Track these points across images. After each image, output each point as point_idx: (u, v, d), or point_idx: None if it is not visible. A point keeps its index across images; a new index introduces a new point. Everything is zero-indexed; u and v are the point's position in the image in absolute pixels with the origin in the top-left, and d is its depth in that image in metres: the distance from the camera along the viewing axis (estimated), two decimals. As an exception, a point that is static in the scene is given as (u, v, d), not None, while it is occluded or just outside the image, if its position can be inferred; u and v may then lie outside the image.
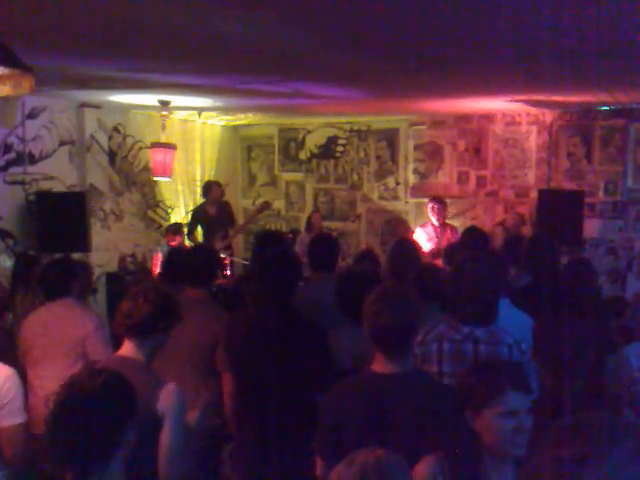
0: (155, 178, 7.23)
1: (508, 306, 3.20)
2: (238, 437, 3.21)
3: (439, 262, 5.99)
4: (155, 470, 2.37)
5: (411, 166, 8.44)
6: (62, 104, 6.55)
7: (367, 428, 2.29)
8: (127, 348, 2.57)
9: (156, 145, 7.00)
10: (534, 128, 7.73)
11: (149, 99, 6.35)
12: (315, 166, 9.03)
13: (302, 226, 8.48)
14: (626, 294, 6.94)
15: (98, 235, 6.83)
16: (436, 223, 7.24)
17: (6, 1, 3.00)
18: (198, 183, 8.45)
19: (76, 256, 6.08)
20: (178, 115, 7.88)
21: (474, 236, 4.83)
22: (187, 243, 7.44)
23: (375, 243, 8.42)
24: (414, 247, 4.44)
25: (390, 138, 8.55)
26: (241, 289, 4.19)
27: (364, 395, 2.36)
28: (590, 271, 3.85)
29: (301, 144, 9.09)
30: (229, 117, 8.43)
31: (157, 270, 6.72)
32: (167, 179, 7.31)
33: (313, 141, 9.01)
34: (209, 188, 7.75)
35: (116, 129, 7.27)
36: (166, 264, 4.80)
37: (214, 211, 7.67)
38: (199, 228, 7.75)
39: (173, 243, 6.91)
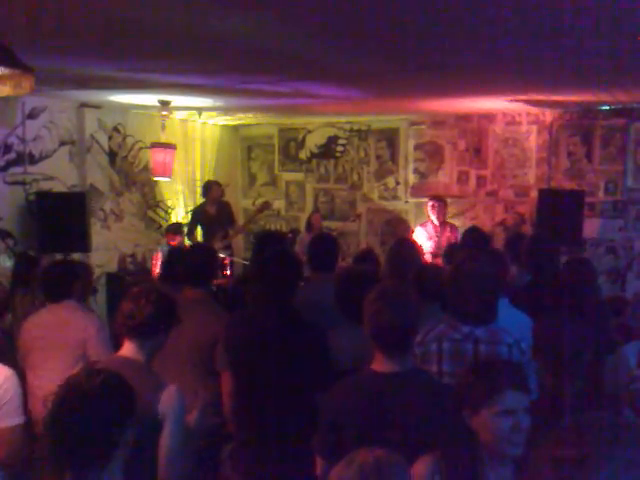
0: (155, 178, 7.23)
1: (507, 306, 3.20)
2: (237, 437, 3.21)
3: (439, 261, 5.99)
4: (155, 471, 2.38)
5: (411, 166, 8.44)
6: (62, 104, 6.56)
7: (367, 427, 2.29)
8: (128, 349, 2.57)
9: (156, 145, 7.00)
10: (534, 128, 7.73)
11: (149, 99, 6.35)
12: (315, 166, 9.03)
13: (302, 226, 8.48)
14: (626, 294, 6.94)
15: (98, 235, 6.83)
16: (436, 222, 7.24)
17: (6, 1, 3.00)
18: (198, 183, 8.46)
19: (76, 256, 6.09)
20: (178, 115, 7.88)
21: (475, 236, 4.84)
22: (187, 243, 7.44)
23: (375, 243, 8.42)
24: (413, 247, 4.44)
25: (390, 138, 8.54)
26: (241, 289, 4.20)
27: (364, 394, 2.36)
28: (590, 270, 3.85)
29: (301, 144, 9.09)
30: (229, 117, 8.43)
31: (157, 270, 6.73)
32: (167, 179, 7.31)
33: (313, 141, 9.01)
34: (209, 188, 7.75)
35: (116, 129, 7.28)
36: (165, 264, 4.80)
37: (214, 211, 7.67)
38: (199, 228, 7.75)
39: (173, 243, 6.91)
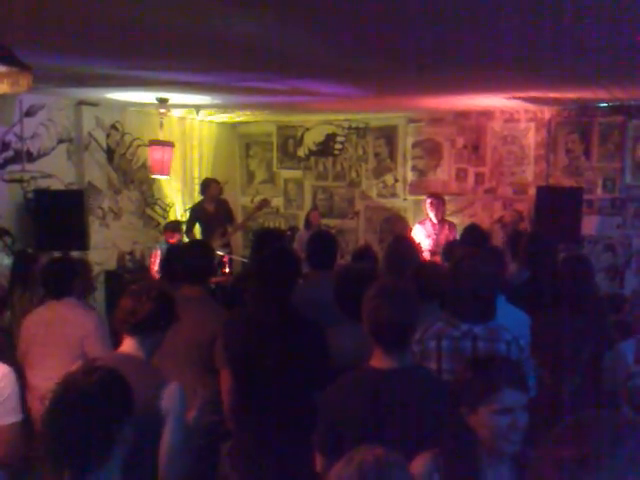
0: (153, 176, 7.22)
1: (504, 303, 3.20)
2: (236, 434, 3.21)
3: (438, 259, 6.00)
4: (155, 468, 2.38)
5: (409, 163, 8.44)
6: (60, 102, 6.54)
7: (366, 424, 2.30)
8: (129, 346, 2.57)
9: (154, 143, 6.99)
10: (532, 125, 7.73)
11: (147, 97, 6.34)
12: (313, 163, 9.02)
13: (301, 223, 8.48)
14: (624, 291, 6.95)
15: (96, 233, 6.82)
16: (434, 219, 7.24)
17: (6, 0, 2.99)
18: (196, 181, 8.45)
19: (74, 254, 6.08)
20: (176, 113, 7.87)
21: (474, 234, 4.84)
22: (185, 241, 7.43)
23: (374, 240, 8.42)
24: (411, 244, 4.45)
25: (388, 135, 8.54)
26: (240, 287, 4.20)
27: (363, 391, 2.36)
28: (587, 268, 3.86)
29: (299, 141, 9.09)
30: (227, 114, 8.42)
31: (155, 268, 6.72)
32: (165, 177, 7.30)
33: (311, 138, 9.01)
34: (207, 186, 7.74)
35: (114, 127, 7.26)
36: (164, 262, 4.80)
37: (212, 209, 7.66)
38: (197, 226, 7.75)
39: (172, 241, 6.90)
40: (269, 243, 4.00)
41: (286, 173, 9.22)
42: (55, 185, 6.49)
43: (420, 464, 1.98)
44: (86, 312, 3.73)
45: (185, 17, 3.37)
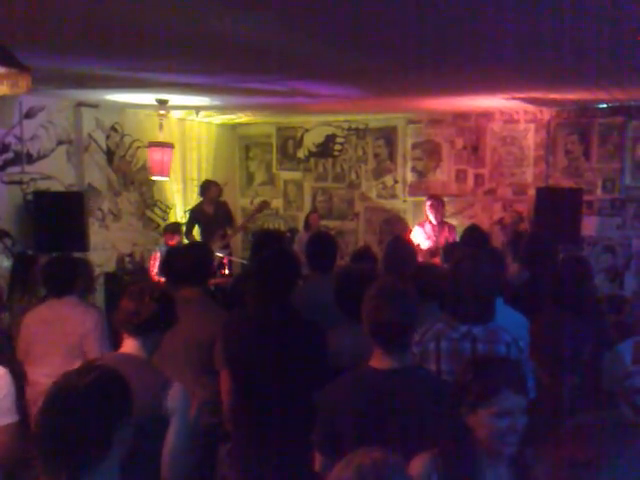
0: (153, 177, 7.22)
1: (502, 305, 3.19)
2: (235, 435, 3.21)
3: (437, 260, 6.00)
4: (159, 468, 2.39)
5: (409, 164, 8.44)
6: (60, 103, 6.54)
7: (365, 424, 2.30)
8: (131, 346, 2.58)
9: (154, 144, 7.00)
10: (532, 126, 7.73)
11: (147, 98, 6.34)
12: (313, 165, 9.02)
13: (300, 225, 8.48)
14: (624, 292, 6.95)
15: (96, 235, 6.82)
16: (434, 221, 7.23)
17: (5, 1, 2.99)
18: (196, 182, 8.45)
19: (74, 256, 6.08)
20: (176, 114, 7.87)
21: (474, 235, 4.84)
22: (185, 242, 7.43)
23: (373, 241, 8.42)
24: (408, 245, 4.45)
25: (388, 136, 8.54)
26: (239, 288, 4.19)
27: (363, 391, 2.36)
28: (586, 268, 3.86)
29: (299, 143, 9.09)
30: (227, 116, 8.42)
31: (155, 270, 6.72)
32: (165, 178, 7.30)
33: (311, 140, 9.01)
34: (207, 188, 7.74)
35: (114, 128, 7.27)
36: (164, 264, 4.79)
37: (212, 210, 7.66)
38: (197, 228, 7.74)
39: (171, 242, 6.90)
40: (269, 244, 4.00)
41: (286, 174, 9.22)
42: (55, 187, 6.49)
43: (419, 465, 1.98)
44: (86, 310, 3.72)
45: (185, 18, 3.36)
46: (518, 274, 4.35)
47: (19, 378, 3.59)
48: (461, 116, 8.01)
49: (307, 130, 9.02)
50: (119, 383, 1.81)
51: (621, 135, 7.26)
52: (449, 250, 4.84)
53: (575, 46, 3.88)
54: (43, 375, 3.43)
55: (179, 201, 8.35)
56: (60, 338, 3.57)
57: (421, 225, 7.35)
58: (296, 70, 4.98)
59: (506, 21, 3.41)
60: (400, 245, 4.34)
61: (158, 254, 6.77)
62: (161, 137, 7.09)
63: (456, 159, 8.16)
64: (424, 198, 7.63)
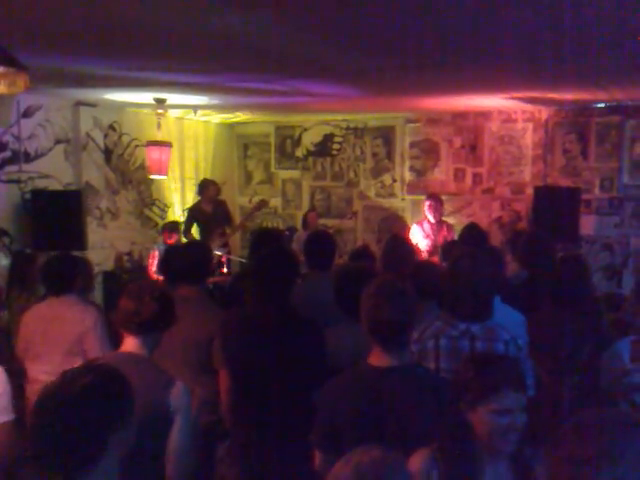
0: (151, 176, 7.21)
1: (499, 304, 3.19)
2: (234, 434, 3.21)
3: (435, 259, 6.01)
4: (162, 466, 2.40)
5: (407, 163, 8.44)
6: (58, 102, 6.54)
7: (364, 422, 2.30)
8: (132, 345, 2.58)
9: (152, 143, 6.99)
10: (530, 125, 7.74)
11: (145, 97, 6.34)
12: (311, 164, 9.03)
13: (299, 223, 8.48)
14: (622, 290, 6.96)
15: (94, 233, 6.82)
16: (433, 220, 7.24)
17: (5, 1, 2.99)
18: (194, 181, 8.45)
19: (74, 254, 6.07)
20: (174, 113, 7.87)
21: (473, 233, 4.85)
22: (184, 241, 7.42)
23: (372, 240, 8.42)
24: (407, 243, 4.46)
25: (386, 135, 8.55)
26: (238, 286, 4.19)
27: (362, 389, 2.36)
28: (584, 267, 3.87)
29: (297, 142, 9.09)
30: (225, 115, 8.42)
31: (153, 268, 6.72)
32: (163, 177, 7.29)
33: (309, 139, 9.01)
34: (205, 186, 7.74)
35: (112, 127, 7.26)
36: (162, 263, 4.79)
37: (210, 209, 7.66)
38: (195, 226, 7.74)
39: (170, 241, 6.90)
40: (267, 243, 3.99)
41: (284, 173, 9.22)
42: (53, 185, 6.49)
43: (418, 461, 1.98)
44: (85, 309, 3.70)
45: (183, 17, 3.36)
46: (517, 273, 4.35)
47: (19, 376, 3.59)
48: (459, 115, 8.01)
49: (305, 129, 9.02)
50: (119, 384, 1.78)
51: (619, 134, 7.27)
52: (448, 248, 4.85)
53: (574, 46, 3.88)
54: (43, 373, 3.43)
55: (177, 200, 8.34)
56: (59, 336, 3.57)
57: (419, 224, 7.36)
58: (294, 69, 4.98)
59: (505, 21, 3.41)
60: (398, 244, 4.34)
61: (156, 253, 6.76)
62: (159, 136, 7.08)
63: (454, 158, 8.17)
64: (422, 197, 7.64)
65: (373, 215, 8.72)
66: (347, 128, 8.75)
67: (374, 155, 8.65)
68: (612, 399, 3.08)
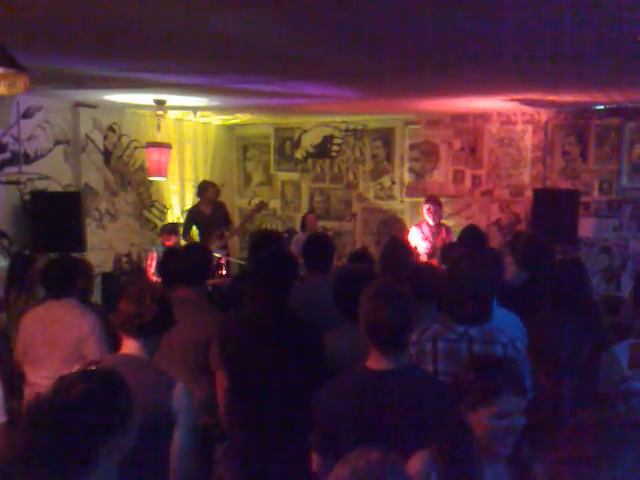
0: (150, 178, 7.22)
1: (496, 307, 3.19)
2: (232, 436, 3.20)
3: (434, 261, 6.00)
4: (166, 467, 2.41)
5: (407, 165, 8.45)
6: (57, 104, 6.54)
7: (363, 424, 2.30)
8: (132, 348, 2.57)
9: (151, 145, 6.99)
10: (529, 127, 7.74)
11: (144, 98, 6.34)
12: (311, 165, 9.03)
13: (298, 226, 8.48)
14: (621, 293, 6.96)
15: (93, 235, 6.82)
16: (432, 223, 7.24)
17: (4, 1, 2.99)
18: (193, 183, 8.45)
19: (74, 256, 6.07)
20: (173, 114, 7.87)
21: (472, 235, 4.85)
22: (183, 243, 7.42)
23: (371, 242, 8.42)
24: (405, 246, 4.46)
25: (386, 137, 8.55)
26: (237, 288, 4.19)
27: (360, 391, 2.36)
28: (582, 270, 3.87)
29: (297, 143, 9.09)
30: (225, 116, 8.42)
31: (152, 270, 6.71)
32: (162, 179, 7.30)
33: (309, 140, 9.01)
34: (204, 188, 7.74)
35: (111, 128, 7.26)
36: (161, 265, 4.79)
37: (209, 211, 7.66)
38: (194, 228, 7.74)
39: (169, 243, 6.89)
40: (266, 245, 4.00)
41: (283, 175, 9.22)
42: (52, 187, 6.48)
43: (417, 463, 1.98)
44: (84, 313, 3.67)
45: (183, 19, 3.37)
46: (517, 275, 4.35)
47: (18, 379, 3.59)
48: (459, 117, 8.01)
49: (305, 131, 9.02)
50: (118, 389, 1.76)
51: (618, 137, 7.27)
52: (446, 251, 4.85)
53: (574, 48, 3.88)
54: (42, 377, 3.41)
55: (176, 202, 8.34)
56: (58, 340, 3.55)
57: (418, 226, 7.35)
58: (294, 71, 4.98)
59: (505, 23, 3.42)
60: (397, 246, 4.35)
61: (155, 254, 6.76)
62: (159, 137, 7.09)
63: (454, 160, 8.17)
64: (422, 199, 7.64)
65: (372, 217, 8.72)
66: (346, 130, 8.75)
67: (373, 157, 8.65)
68: (610, 402, 3.08)
